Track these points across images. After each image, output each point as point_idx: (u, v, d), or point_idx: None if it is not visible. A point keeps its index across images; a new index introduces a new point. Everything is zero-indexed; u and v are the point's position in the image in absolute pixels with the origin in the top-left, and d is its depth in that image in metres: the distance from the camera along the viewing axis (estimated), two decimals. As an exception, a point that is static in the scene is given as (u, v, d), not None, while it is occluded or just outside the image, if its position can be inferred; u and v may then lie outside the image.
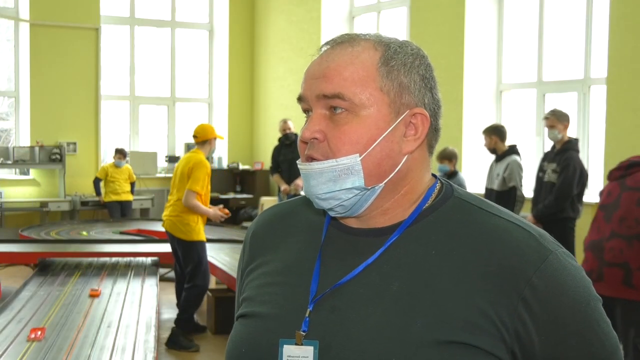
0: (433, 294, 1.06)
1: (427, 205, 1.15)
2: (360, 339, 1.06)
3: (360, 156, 1.10)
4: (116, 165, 9.82)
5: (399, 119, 1.12)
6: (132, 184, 9.99)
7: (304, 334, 1.09)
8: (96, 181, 9.88)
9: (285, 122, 8.85)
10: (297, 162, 1.16)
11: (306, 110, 1.16)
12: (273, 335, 1.12)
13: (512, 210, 6.30)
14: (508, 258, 1.07)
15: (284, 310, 1.13)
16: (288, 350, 1.10)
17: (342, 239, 1.16)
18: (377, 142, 1.10)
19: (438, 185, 1.19)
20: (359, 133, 1.10)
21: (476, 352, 1.04)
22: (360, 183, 1.10)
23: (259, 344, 1.13)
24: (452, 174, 7.04)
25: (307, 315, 1.11)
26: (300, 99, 1.16)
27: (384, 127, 1.11)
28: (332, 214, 1.16)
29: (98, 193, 9.91)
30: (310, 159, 1.12)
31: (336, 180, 1.10)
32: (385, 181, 1.12)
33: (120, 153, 9.89)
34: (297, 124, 10.67)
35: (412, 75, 1.13)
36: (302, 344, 1.09)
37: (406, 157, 1.13)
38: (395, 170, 1.13)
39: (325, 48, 1.16)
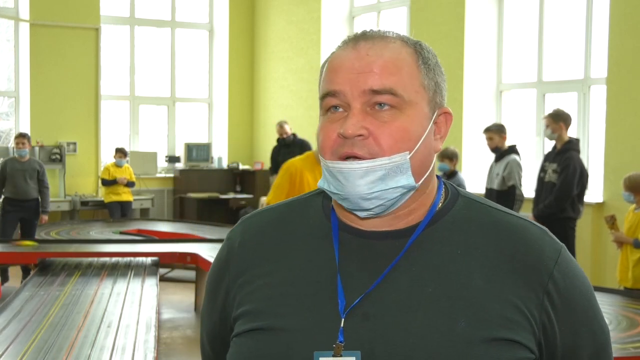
0: (469, 294, 1.07)
1: (439, 206, 1.15)
2: (405, 345, 1.04)
3: (409, 154, 1.08)
4: (117, 165, 9.81)
5: (433, 118, 1.12)
6: (131, 184, 9.94)
7: (342, 345, 1.06)
8: (104, 181, 9.83)
9: (281, 125, 8.72)
10: (328, 161, 1.09)
11: (333, 107, 1.10)
12: (303, 349, 1.07)
13: (512, 209, 6.30)
14: (531, 254, 1.10)
15: (309, 322, 1.08)
16: None
17: (356, 244, 1.13)
18: (422, 140, 1.09)
19: (443, 186, 1.19)
20: (408, 130, 1.08)
21: (517, 347, 1.06)
22: (409, 181, 1.08)
23: (287, 359, 1.08)
24: (452, 174, 7.05)
25: (341, 325, 1.07)
26: (330, 94, 1.10)
27: (426, 126, 1.11)
28: (363, 214, 1.11)
29: (113, 182, 9.74)
30: (351, 157, 1.07)
31: (384, 179, 1.07)
32: (422, 180, 1.11)
33: (120, 152, 9.88)
34: (296, 124, 10.66)
35: (441, 75, 1.14)
36: (341, 355, 1.05)
37: (435, 156, 1.14)
38: (430, 169, 1.13)
39: (357, 42, 1.11)
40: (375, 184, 1.07)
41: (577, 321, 1.11)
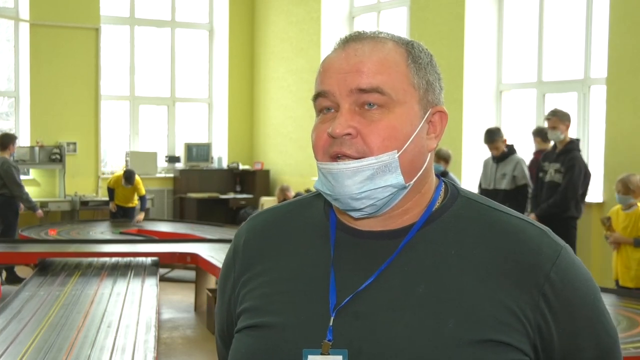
0: (459, 294, 1.06)
1: (437, 205, 1.15)
2: (392, 344, 1.05)
3: (397, 153, 1.08)
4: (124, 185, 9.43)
5: (426, 117, 1.12)
6: (142, 198, 9.58)
7: (330, 343, 1.06)
8: (110, 192, 9.53)
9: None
10: (319, 163, 1.11)
11: (325, 108, 1.12)
12: (293, 346, 1.08)
13: (524, 207, 6.36)
14: (526, 255, 1.09)
15: (301, 320, 1.10)
16: None
17: (352, 243, 1.14)
18: (411, 139, 1.09)
19: (443, 185, 1.19)
20: (396, 129, 1.08)
21: (507, 349, 1.05)
22: (399, 180, 1.08)
23: (278, 356, 1.09)
24: (443, 174, 7.08)
25: (330, 323, 1.07)
26: (321, 95, 1.11)
27: (416, 124, 1.11)
28: (356, 215, 1.12)
29: (111, 199, 9.52)
30: (341, 156, 1.08)
31: (373, 179, 1.07)
32: (415, 179, 1.11)
33: (127, 181, 9.23)
34: (296, 124, 10.65)
35: (434, 74, 1.14)
36: (329, 354, 1.06)
37: (429, 155, 1.14)
38: (423, 168, 1.12)
39: (347, 43, 1.13)
40: (364, 184, 1.07)
41: (578, 324, 1.09)
